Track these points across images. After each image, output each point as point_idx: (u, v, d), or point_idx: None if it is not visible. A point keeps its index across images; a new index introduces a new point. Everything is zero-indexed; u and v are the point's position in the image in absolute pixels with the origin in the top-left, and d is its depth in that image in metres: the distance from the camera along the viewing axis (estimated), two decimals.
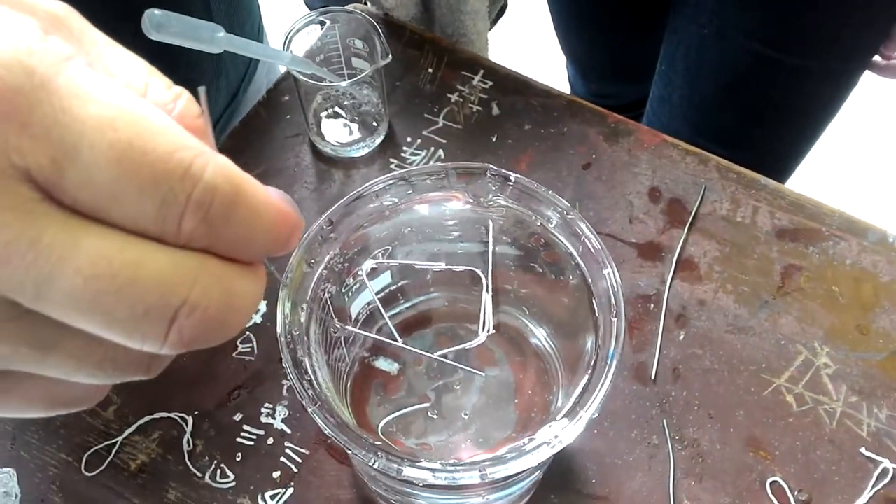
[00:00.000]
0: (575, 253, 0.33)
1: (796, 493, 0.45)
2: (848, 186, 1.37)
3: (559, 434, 0.28)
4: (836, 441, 0.46)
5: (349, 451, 0.28)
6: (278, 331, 0.30)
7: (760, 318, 0.50)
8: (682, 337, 0.49)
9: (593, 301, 0.33)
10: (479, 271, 0.35)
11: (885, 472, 0.45)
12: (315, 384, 0.30)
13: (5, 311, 0.16)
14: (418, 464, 0.28)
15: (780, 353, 0.49)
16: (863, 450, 0.46)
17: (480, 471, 0.28)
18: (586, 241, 0.32)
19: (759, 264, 0.52)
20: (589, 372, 0.30)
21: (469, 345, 0.37)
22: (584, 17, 0.89)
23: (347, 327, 0.36)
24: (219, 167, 0.17)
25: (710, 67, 0.71)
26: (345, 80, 0.54)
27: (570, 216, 0.33)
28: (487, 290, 0.38)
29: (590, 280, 0.33)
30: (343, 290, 0.36)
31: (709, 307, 0.50)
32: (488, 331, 0.37)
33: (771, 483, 0.45)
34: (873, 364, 0.48)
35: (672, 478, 0.45)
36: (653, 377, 0.48)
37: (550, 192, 0.33)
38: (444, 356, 0.36)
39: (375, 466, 0.27)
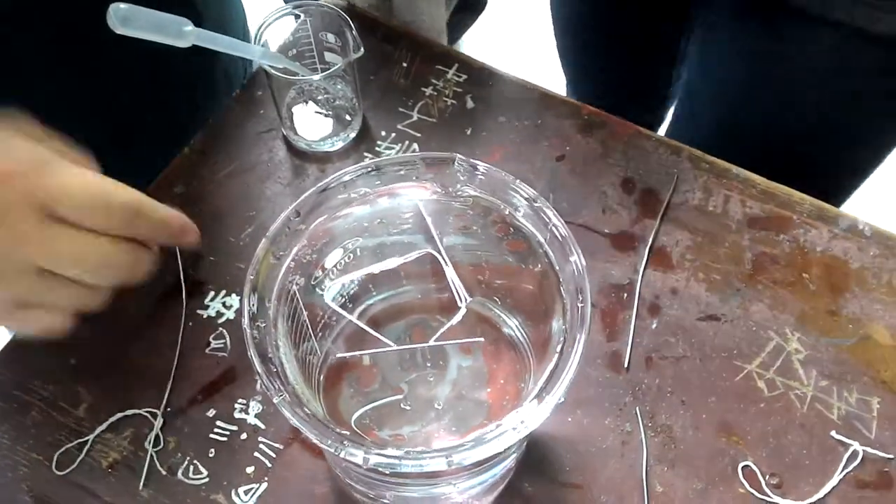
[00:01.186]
0: (543, 241, 0.33)
1: (767, 476, 0.45)
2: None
3: (525, 419, 0.28)
4: (806, 425, 0.46)
5: (317, 442, 0.28)
6: (244, 323, 0.29)
7: (732, 305, 0.50)
8: (654, 325, 0.50)
9: (560, 288, 0.33)
10: (431, 250, 0.35)
11: (854, 454, 0.45)
12: (282, 376, 0.30)
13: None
14: (384, 451, 0.28)
15: (752, 339, 0.49)
16: (833, 433, 0.46)
17: (447, 457, 0.28)
18: (553, 228, 0.32)
19: (730, 252, 0.52)
20: (556, 357, 0.30)
21: (453, 321, 0.37)
22: (589, 30, 0.83)
23: (336, 308, 0.36)
24: (132, 201, 0.38)
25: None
26: (318, 74, 0.53)
27: (536, 204, 0.33)
28: (447, 264, 0.37)
29: (557, 267, 0.33)
30: (312, 283, 0.36)
31: (681, 296, 0.51)
32: (466, 300, 0.37)
33: (743, 468, 0.45)
34: (843, 349, 0.49)
35: (645, 464, 0.45)
36: (626, 365, 0.48)
37: (518, 180, 0.33)
38: (418, 342, 0.36)
39: (342, 455, 0.27)
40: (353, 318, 0.38)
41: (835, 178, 0.70)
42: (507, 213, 0.35)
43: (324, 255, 0.36)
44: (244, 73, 0.68)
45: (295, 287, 0.34)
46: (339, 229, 0.36)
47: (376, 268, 0.34)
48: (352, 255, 0.38)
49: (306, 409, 0.29)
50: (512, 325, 0.41)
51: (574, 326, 0.30)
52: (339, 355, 0.39)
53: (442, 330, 0.38)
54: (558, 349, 0.30)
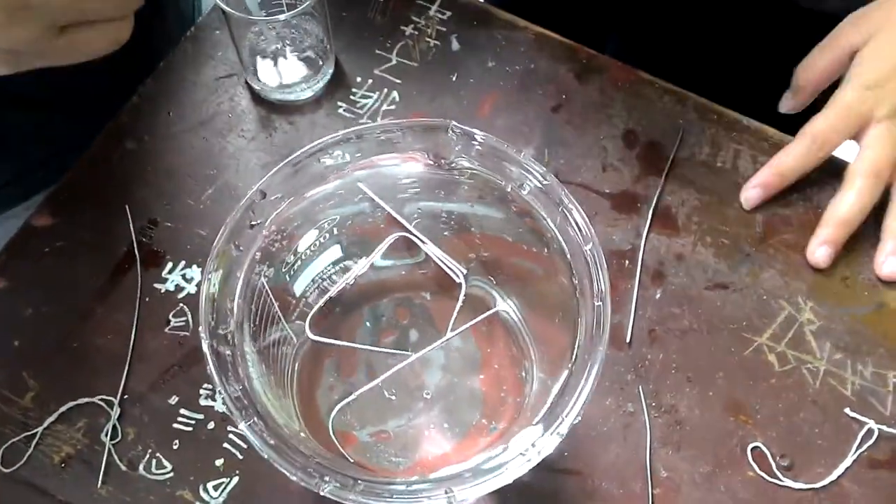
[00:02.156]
0: (552, 224, 0.29)
1: (778, 458, 0.42)
2: None
3: (537, 444, 0.24)
4: (819, 402, 0.43)
5: (294, 479, 0.23)
6: (203, 344, 0.25)
7: (741, 272, 0.46)
8: (658, 295, 0.46)
9: (573, 280, 0.28)
10: (407, 234, 0.30)
11: (869, 432, 0.43)
12: (249, 392, 0.25)
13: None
14: (374, 484, 0.24)
15: (762, 309, 0.46)
16: (847, 410, 0.43)
17: (447, 492, 0.24)
18: (566, 211, 0.28)
19: (740, 214, 0.48)
20: (569, 367, 0.26)
21: (459, 302, 0.32)
22: None
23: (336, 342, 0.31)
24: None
25: None
26: (283, 11, 0.47)
27: (546, 182, 0.28)
28: (426, 243, 0.33)
29: (569, 256, 0.28)
30: (283, 270, 0.31)
31: (687, 262, 0.47)
32: (462, 273, 0.33)
33: (752, 449, 0.42)
34: (858, 319, 0.46)
35: (648, 448, 0.42)
36: (628, 340, 0.45)
37: (523, 153, 0.28)
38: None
39: (324, 493, 0.23)
40: (351, 344, 0.33)
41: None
42: (509, 189, 0.30)
43: (296, 239, 0.31)
44: (193, 8, 0.60)
45: (263, 279, 0.29)
46: (313, 208, 0.30)
47: (351, 276, 0.29)
48: (328, 235, 0.33)
49: (277, 431, 0.25)
50: (508, 307, 0.37)
51: (590, 330, 0.26)
52: (312, 338, 0.35)
53: (455, 316, 0.33)
54: (573, 357, 0.26)
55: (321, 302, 0.31)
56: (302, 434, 0.30)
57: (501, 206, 0.31)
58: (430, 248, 0.31)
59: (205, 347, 0.24)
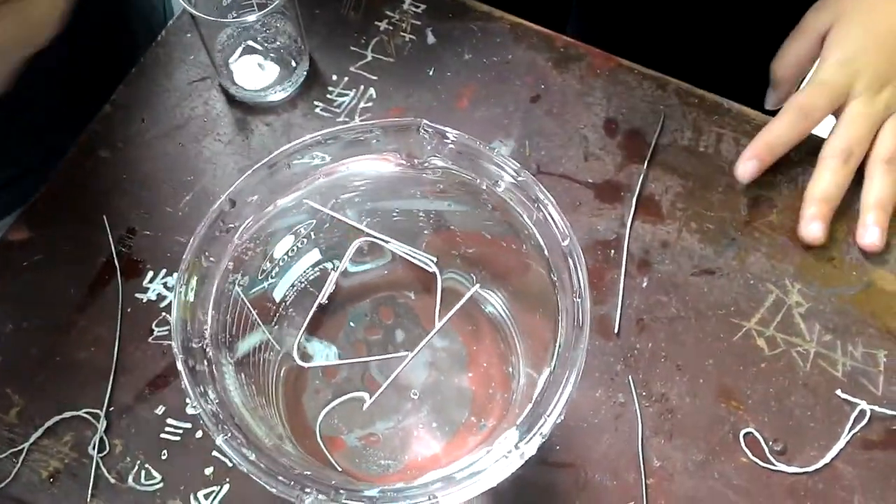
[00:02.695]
0: (528, 221, 0.28)
1: (771, 443, 0.42)
2: None
3: (520, 446, 0.24)
4: (810, 385, 0.43)
5: (274, 492, 0.23)
6: (175, 348, 0.24)
7: (727, 256, 0.46)
8: (645, 284, 0.45)
9: (552, 276, 0.28)
10: (369, 238, 0.29)
11: (861, 413, 0.42)
12: (227, 404, 0.25)
13: None
14: (357, 494, 0.23)
15: (750, 293, 0.45)
16: (838, 392, 0.43)
17: (430, 498, 0.23)
18: (542, 207, 0.27)
19: (724, 198, 0.48)
20: (551, 365, 0.26)
21: (438, 293, 0.32)
22: None
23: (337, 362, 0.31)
24: None
25: None
26: (253, 13, 0.46)
27: (521, 178, 0.28)
28: (388, 242, 0.32)
29: (546, 253, 0.28)
30: (260, 277, 0.31)
31: (672, 249, 0.46)
32: (433, 261, 0.32)
33: (745, 435, 0.42)
34: (846, 299, 0.45)
35: (640, 437, 0.42)
36: (616, 330, 0.44)
37: (496, 150, 0.28)
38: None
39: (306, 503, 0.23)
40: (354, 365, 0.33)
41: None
42: (483, 186, 0.29)
43: (272, 245, 0.30)
44: (163, 12, 0.59)
45: (238, 288, 0.28)
46: (287, 214, 0.30)
47: (324, 292, 0.29)
48: (305, 240, 0.32)
49: (254, 443, 0.25)
50: (494, 303, 0.37)
51: (570, 329, 0.25)
52: (304, 365, 0.34)
53: (438, 307, 0.32)
54: (554, 354, 0.26)
55: (303, 326, 0.31)
56: (288, 443, 0.30)
57: (477, 204, 0.31)
58: (394, 246, 0.31)
59: (179, 364, 0.24)
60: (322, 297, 0.30)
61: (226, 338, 0.27)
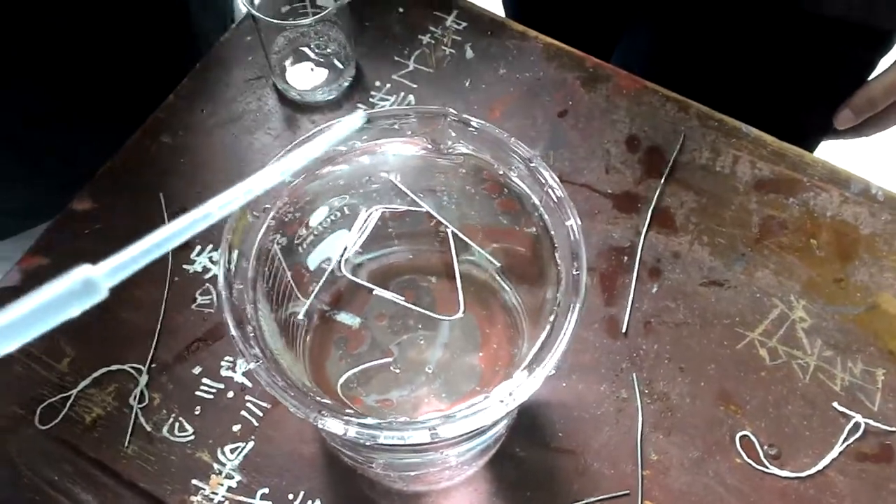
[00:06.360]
0: (538, 202, 0.31)
1: (766, 447, 0.44)
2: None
3: (514, 391, 0.27)
4: (808, 396, 0.45)
5: (293, 411, 0.26)
6: (219, 284, 0.28)
7: (736, 270, 0.49)
8: (655, 290, 0.48)
9: (555, 254, 0.31)
10: (426, 207, 0.33)
11: (856, 426, 0.44)
12: (261, 340, 0.28)
13: None
14: (364, 422, 0.27)
15: (755, 306, 0.48)
16: (835, 404, 0.45)
17: (430, 430, 0.26)
18: (549, 190, 0.30)
19: (736, 215, 0.50)
20: (548, 327, 0.29)
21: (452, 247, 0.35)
22: None
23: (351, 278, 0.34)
24: None
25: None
26: (308, 18, 0.51)
27: (533, 164, 0.31)
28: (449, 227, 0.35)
29: (552, 231, 0.31)
30: (296, 242, 0.34)
31: (683, 259, 0.49)
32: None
33: (741, 437, 0.44)
34: (850, 318, 0.47)
35: (640, 431, 0.44)
36: (624, 330, 0.47)
37: (513, 139, 0.31)
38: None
39: (319, 425, 0.26)
40: (363, 281, 0.36)
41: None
42: (500, 172, 0.33)
43: (308, 214, 0.34)
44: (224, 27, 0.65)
45: (276, 247, 0.32)
46: (323, 187, 0.34)
47: (365, 227, 0.32)
48: (339, 213, 0.36)
49: (286, 376, 0.28)
50: (507, 290, 0.40)
51: (568, 295, 0.28)
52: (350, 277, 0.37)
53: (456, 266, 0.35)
54: (551, 319, 0.29)
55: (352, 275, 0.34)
56: (312, 385, 0.33)
57: (493, 188, 0.34)
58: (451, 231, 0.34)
59: (220, 286, 0.27)
60: (347, 255, 0.33)
61: (263, 287, 0.31)
